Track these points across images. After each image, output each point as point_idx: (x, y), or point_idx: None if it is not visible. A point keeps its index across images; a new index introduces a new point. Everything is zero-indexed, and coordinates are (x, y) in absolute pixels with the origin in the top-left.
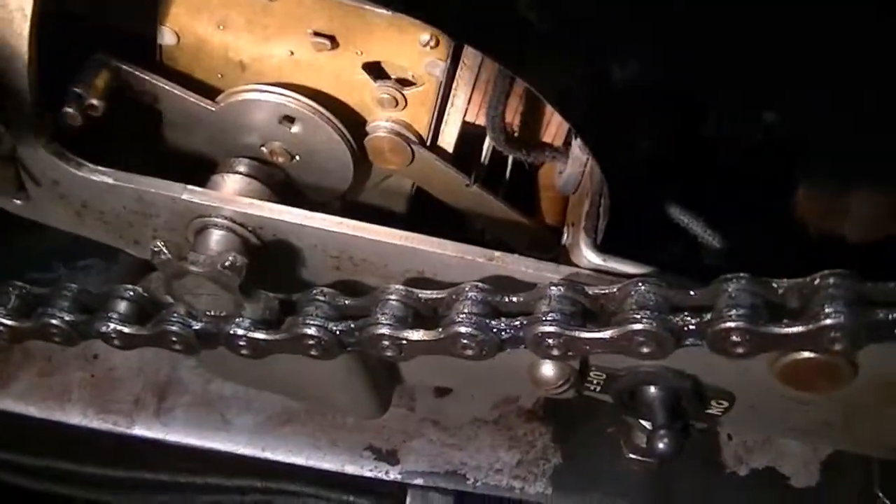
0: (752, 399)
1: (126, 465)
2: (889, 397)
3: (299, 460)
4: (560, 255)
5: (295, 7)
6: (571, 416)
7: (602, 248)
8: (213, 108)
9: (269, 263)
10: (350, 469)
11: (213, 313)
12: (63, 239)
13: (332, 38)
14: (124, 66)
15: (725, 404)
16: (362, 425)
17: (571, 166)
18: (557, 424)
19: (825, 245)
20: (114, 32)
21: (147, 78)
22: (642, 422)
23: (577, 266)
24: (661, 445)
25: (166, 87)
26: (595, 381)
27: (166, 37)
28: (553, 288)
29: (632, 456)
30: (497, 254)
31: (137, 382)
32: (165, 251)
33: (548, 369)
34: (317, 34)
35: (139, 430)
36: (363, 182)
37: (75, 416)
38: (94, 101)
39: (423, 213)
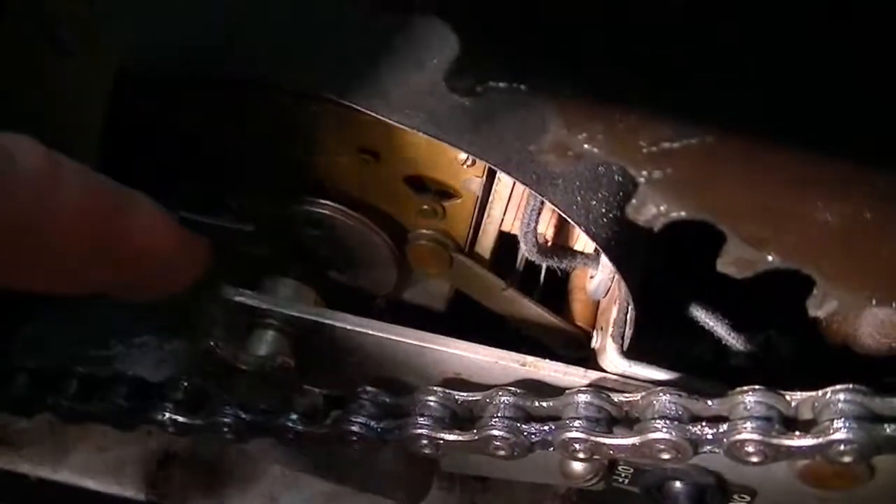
0: (773, 495)
1: None
2: None
3: None
4: (590, 357)
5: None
6: (602, 502)
7: (628, 354)
8: None
9: (318, 360)
10: None
11: (263, 406)
12: (120, 317)
13: (375, 154)
14: None
15: (748, 499)
16: None
17: (602, 272)
18: None
19: (847, 353)
20: None
21: None
22: None
23: (604, 371)
24: None
25: None
26: (623, 475)
27: None
28: (580, 395)
29: None
30: (529, 359)
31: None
32: (219, 349)
33: (578, 464)
34: (362, 150)
35: None
36: (406, 285)
37: (130, 491)
38: None
39: (464, 312)
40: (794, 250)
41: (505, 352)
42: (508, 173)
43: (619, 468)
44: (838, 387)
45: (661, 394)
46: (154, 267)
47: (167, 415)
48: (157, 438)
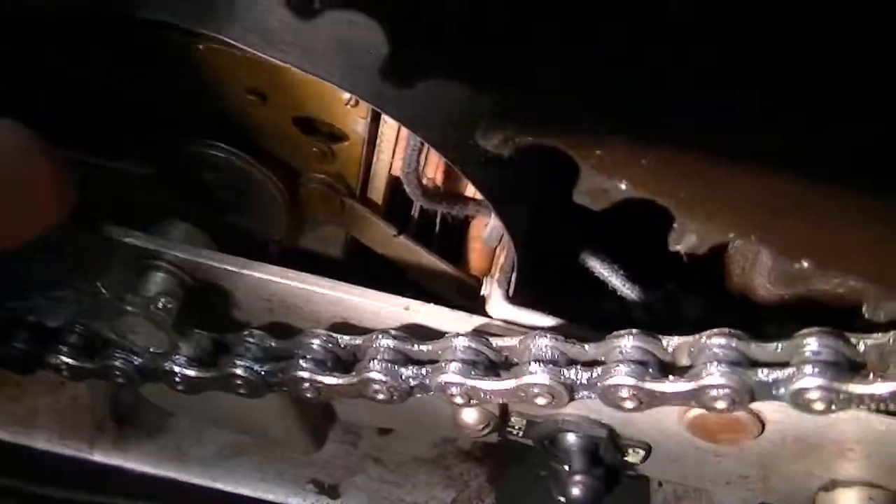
0: (668, 449)
1: (87, 489)
2: (798, 453)
3: (246, 491)
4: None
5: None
6: (506, 457)
7: (515, 300)
8: None
9: (207, 303)
10: (293, 501)
11: (150, 350)
12: (42, 271)
13: (262, 96)
14: None
15: (642, 453)
16: (309, 460)
17: (494, 219)
18: (492, 465)
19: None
20: None
21: None
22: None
23: (489, 316)
24: (575, 491)
25: None
26: (516, 427)
27: None
28: (458, 339)
29: (561, 499)
30: (415, 303)
31: (100, 410)
32: (104, 291)
33: (468, 413)
34: (250, 91)
35: (98, 457)
36: (299, 229)
37: (40, 441)
38: None
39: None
40: (648, 179)
41: (391, 296)
42: (381, 109)
43: (512, 419)
44: (714, 331)
45: (537, 337)
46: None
47: (61, 358)
48: (69, 390)
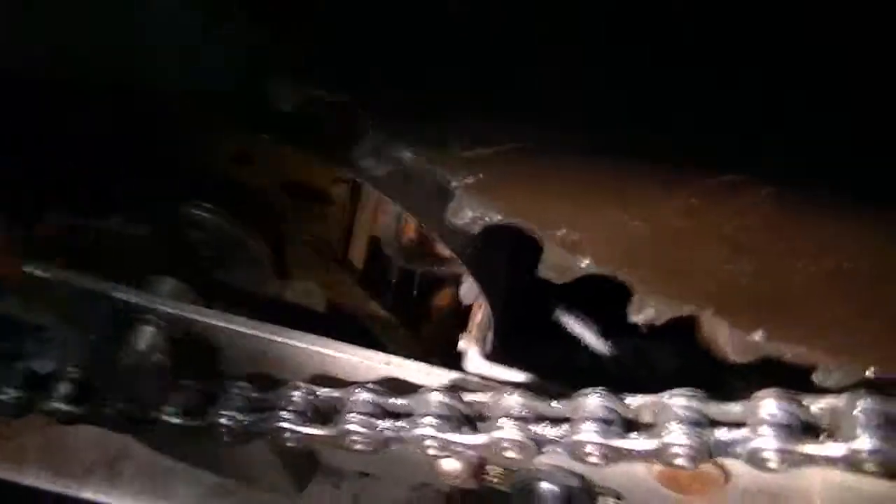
0: (639, 498)
1: None
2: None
3: None
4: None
5: None
6: (483, 501)
7: (492, 357)
8: None
9: (194, 355)
10: None
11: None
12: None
13: (250, 160)
14: None
15: (612, 502)
16: (292, 501)
17: (470, 279)
18: None
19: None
20: None
21: None
22: None
23: (466, 372)
24: None
25: None
26: (493, 475)
27: None
28: (432, 393)
29: None
30: (395, 359)
31: (92, 449)
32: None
33: (447, 462)
34: (238, 156)
35: (88, 495)
36: (286, 286)
37: (30, 478)
38: None
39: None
40: (609, 257)
41: (371, 351)
42: (375, 186)
43: (488, 468)
44: (675, 391)
45: (507, 394)
46: None
47: (53, 404)
48: (59, 428)
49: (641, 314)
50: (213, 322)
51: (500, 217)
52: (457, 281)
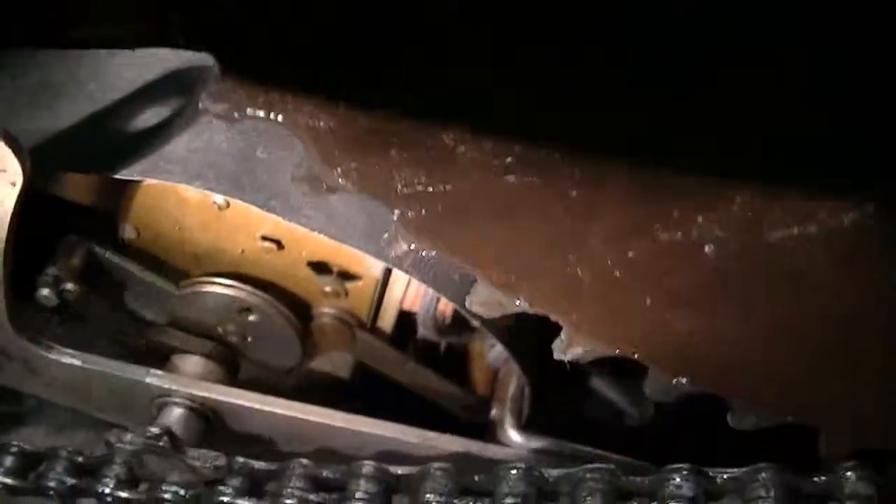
0: None
1: None
2: None
3: None
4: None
5: (244, 214)
6: None
7: (526, 427)
8: (176, 293)
9: (229, 435)
10: None
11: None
12: None
13: (278, 242)
14: (96, 248)
15: None
16: None
17: (499, 345)
18: None
19: None
20: (79, 211)
21: (116, 260)
22: None
23: (503, 444)
24: None
25: (133, 270)
26: None
27: (127, 231)
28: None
29: None
30: (431, 434)
31: None
32: (119, 443)
33: None
34: (265, 238)
35: None
36: (312, 358)
37: None
38: (70, 286)
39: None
40: (544, 299)
41: (407, 427)
42: (407, 272)
43: None
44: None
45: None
46: None
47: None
48: None
49: (568, 352)
50: (244, 403)
51: (434, 252)
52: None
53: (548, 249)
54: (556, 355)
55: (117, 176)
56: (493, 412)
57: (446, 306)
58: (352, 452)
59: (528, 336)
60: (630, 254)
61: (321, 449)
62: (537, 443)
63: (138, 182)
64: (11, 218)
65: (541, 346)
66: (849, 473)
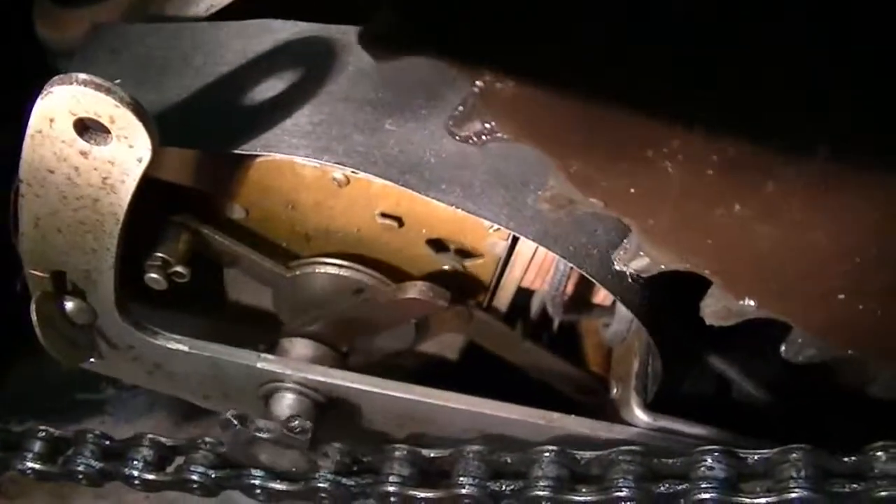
0: None
1: None
2: None
3: None
4: (607, 405)
5: (364, 191)
6: None
7: (653, 406)
8: (287, 275)
9: (339, 419)
10: None
11: (288, 471)
12: None
13: (398, 219)
14: (203, 230)
15: None
16: None
17: (618, 323)
18: None
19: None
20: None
21: (226, 241)
22: None
23: (628, 423)
24: None
25: (242, 251)
26: None
27: (236, 212)
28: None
29: None
30: (555, 415)
31: None
32: (236, 422)
33: None
34: (384, 215)
35: None
36: (424, 340)
37: None
38: (180, 269)
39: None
40: (622, 199)
41: (530, 409)
42: (547, 247)
43: None
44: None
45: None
46: None
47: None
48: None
49: (632, 264)
50: (360, 387)
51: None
52: None
53: (637, 146)
54: (618, 266)
55: (237, 151)
56: (614, 391)
57: (569, 284)
58: (472, 435)
59: (667, 319)
60: (729, 150)
61: (441, 431)
62: (664, 422)
63: (250, 159)
64: (132, 198)
65: (674, 330)
66: (879, 453)
